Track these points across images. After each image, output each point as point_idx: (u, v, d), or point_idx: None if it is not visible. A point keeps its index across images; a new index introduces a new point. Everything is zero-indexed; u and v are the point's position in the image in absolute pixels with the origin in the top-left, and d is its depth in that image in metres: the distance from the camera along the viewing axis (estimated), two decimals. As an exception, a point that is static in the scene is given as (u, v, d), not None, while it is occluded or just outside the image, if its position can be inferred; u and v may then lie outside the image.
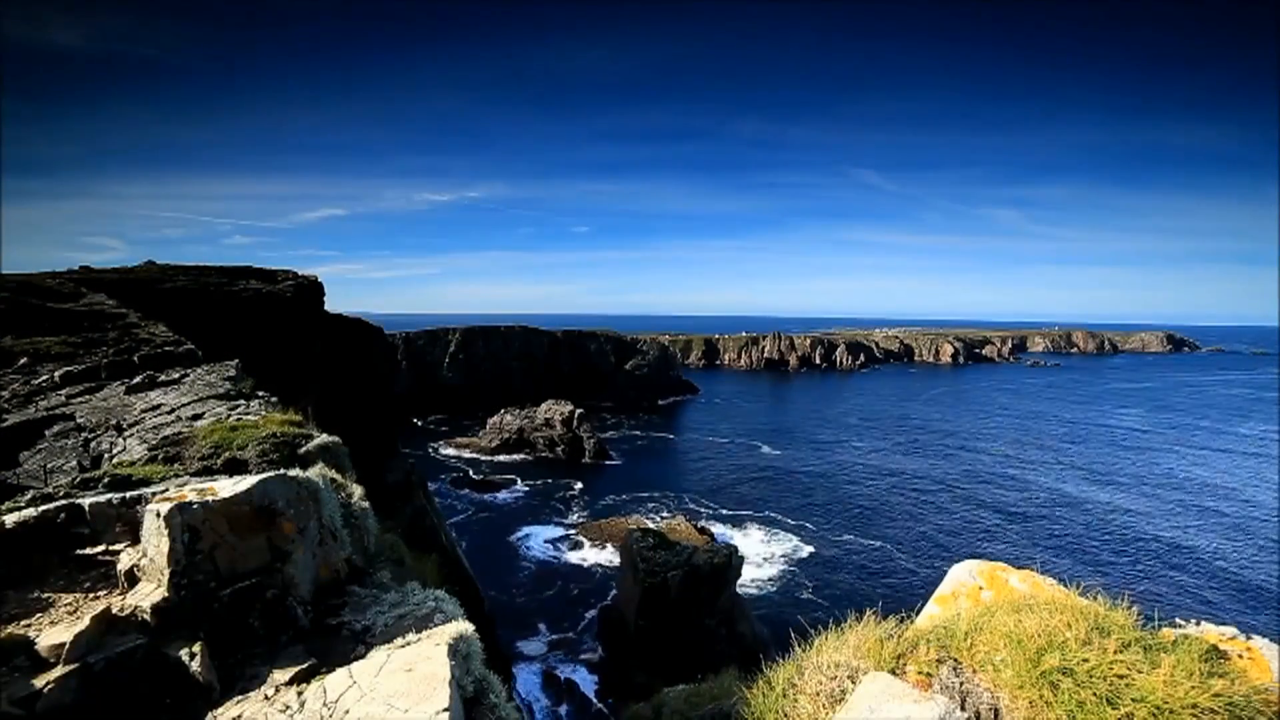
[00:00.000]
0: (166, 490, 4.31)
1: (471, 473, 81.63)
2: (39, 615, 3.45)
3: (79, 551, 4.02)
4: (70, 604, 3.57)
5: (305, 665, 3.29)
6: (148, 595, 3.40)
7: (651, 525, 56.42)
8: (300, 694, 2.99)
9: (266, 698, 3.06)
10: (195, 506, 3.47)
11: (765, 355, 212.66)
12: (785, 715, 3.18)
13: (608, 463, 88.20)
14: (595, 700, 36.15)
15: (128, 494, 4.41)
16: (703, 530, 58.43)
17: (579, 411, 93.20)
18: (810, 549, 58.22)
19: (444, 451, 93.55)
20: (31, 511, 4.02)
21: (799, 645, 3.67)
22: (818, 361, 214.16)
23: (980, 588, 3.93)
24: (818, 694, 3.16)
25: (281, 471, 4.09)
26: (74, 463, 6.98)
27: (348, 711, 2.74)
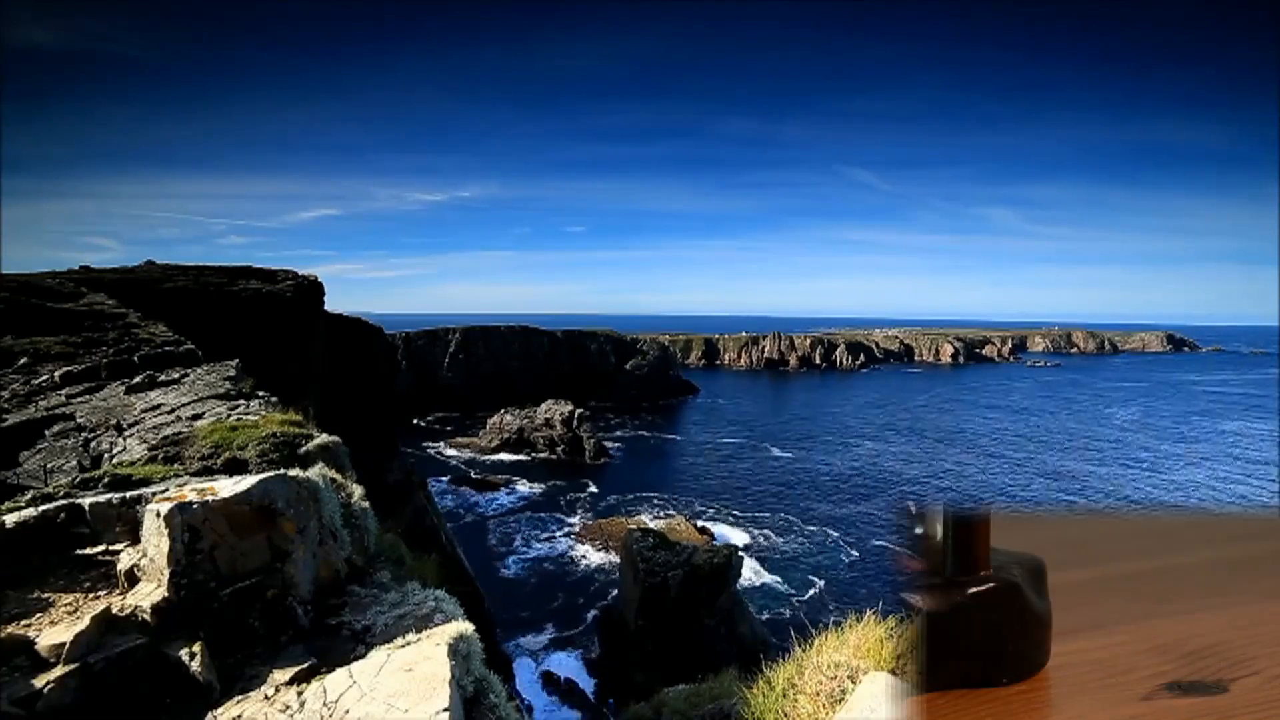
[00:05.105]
0: (166, 490, 4.31)
1: (472, 473, 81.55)
2: (39, 615, 3.45)
3: (79, 551, 4.02)
4: (70, 604, 3.57)
5: (305, 665, 3.29)
6: (148, 595, 3.40)
7: (651, 525, 56.40)
8: (300, 694, 2.99)
9: (266, 698, 3.06)
10: (195, 506, 3.47)
11: (765, 355, 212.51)
12: (785, 715, 3.19)
13: (608, 463, 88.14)
14: (595, 700, 36.16)
15: (128, 494, 4.41)
16: (703, 530, 58.42)
17: (579, 411, 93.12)
18: (811, 548, 58.23)
19: (444, 451, 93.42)
20: (31, 511, 4.02)
21: (799, 645, 3.67)
22: (818, 361, 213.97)
23: (980, 587, 3.92)
24: (818, 694, 3.16)
25: (281, 471, 4.09)
26: (74, 463, 6.98)
27: (348, 711, 2.74)
